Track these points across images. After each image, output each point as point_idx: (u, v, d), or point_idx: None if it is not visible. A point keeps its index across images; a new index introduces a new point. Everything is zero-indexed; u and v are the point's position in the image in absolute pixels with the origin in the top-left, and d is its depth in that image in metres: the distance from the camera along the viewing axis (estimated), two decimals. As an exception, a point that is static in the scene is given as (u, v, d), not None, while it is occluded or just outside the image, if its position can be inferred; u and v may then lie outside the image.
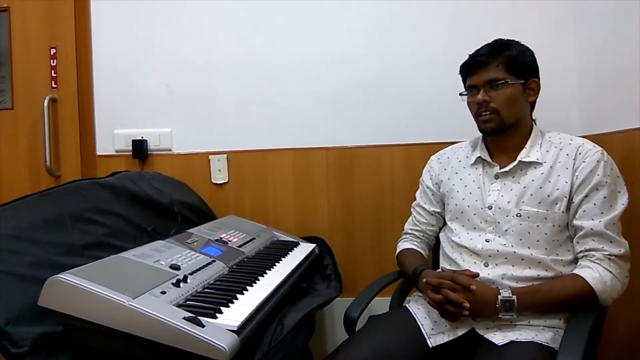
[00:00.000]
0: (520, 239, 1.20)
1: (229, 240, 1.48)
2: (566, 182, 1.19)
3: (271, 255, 1.50)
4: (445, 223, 1.41)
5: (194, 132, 1.99)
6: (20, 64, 2.01)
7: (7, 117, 2.01)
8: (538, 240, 1.19)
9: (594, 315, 1.09)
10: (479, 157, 1.33)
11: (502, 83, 1.24)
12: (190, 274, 1.12)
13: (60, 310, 0.91)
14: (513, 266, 1.19)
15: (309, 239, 1.79)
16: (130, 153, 1.96)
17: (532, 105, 1.33)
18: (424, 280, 1.23)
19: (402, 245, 1.47)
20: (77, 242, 1.21)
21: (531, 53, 1.29)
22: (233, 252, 1.41)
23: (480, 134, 1.36)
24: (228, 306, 1.01)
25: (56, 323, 0.95)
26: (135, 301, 0.90)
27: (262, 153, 1.95)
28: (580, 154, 1.20)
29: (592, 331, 1.05)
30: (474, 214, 1.28)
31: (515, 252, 1.20)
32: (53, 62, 2.00)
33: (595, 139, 1.26)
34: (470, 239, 1.27)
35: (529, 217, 1.20)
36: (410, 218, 1.51)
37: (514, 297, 1.11)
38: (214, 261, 1.26)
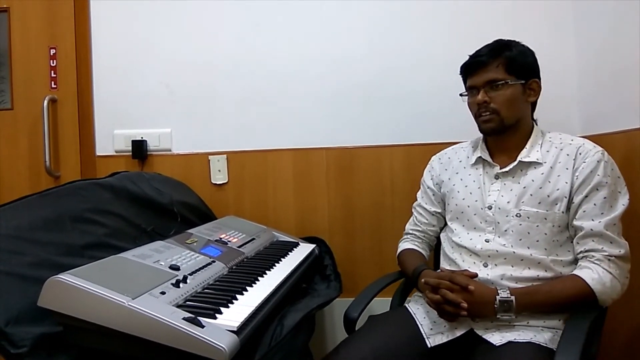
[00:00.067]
0: (520, 239, 1.20)
1: (229, 241, 1.48)
2: (566, 183, 1.19)
3: (271, 255, 1.50)
4: (446, 223, 1.40)
5: (194, 133, 1.99)
6: (20, 64, 2.01)
7: (7, 118, 2.01)
8: (538, 241, 1.19)
9: (592, 316, 1.08)
10: (480, 157, 1.33)
11: (502, 83, 1.24)
12: (190, 274, 1.12)
13: (60, 310, 0.91)
14: (512, 266, 1.19)
15: (308, 239, 1.79)
16: (130, 153, 1.96)
17: (533, 105, 1.33)
18: (423, 280, 1.23)
19: (403, 245, 1.47)
20: (77, 243, 1.21)
21: (531, 53, 1.29)
22: (233, 252, 1.41)
23: (481, 134, 1.36)
24: (228, 306, 1.01)
25: (56, 323, 0.95)
26: (135, 301, 0.90)
27: (262, 153, 1.95)
28: (580, 154, 1.20)
29: (591, 332, 1.05)
30: (474, 214, 1.28)
31: (514, 252, 1.19)
32: (53, 63, 2.00)
33: (595, 139, 1.26)
34: (470, 239, 1.27)
35: (528, 218, 1.20)
36: (411, 218, 1.51)
37: (513, 298, 1.11)
38: (213, 261, 1.26)
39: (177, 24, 1.98)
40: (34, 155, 1.98)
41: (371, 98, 1.92)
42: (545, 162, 1.23)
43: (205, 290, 1.11)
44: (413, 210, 1.50)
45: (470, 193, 1.31)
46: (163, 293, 0.98)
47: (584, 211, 1.16)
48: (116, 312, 0.88)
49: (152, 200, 1.56)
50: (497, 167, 1.29)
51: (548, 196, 1.20)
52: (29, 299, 0.95)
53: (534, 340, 1.09)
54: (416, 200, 1.51)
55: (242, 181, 1.96)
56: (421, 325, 1.24)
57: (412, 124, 1.89)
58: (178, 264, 1.14)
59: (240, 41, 1.96)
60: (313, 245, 1.70)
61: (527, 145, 1.27)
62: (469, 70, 1.30)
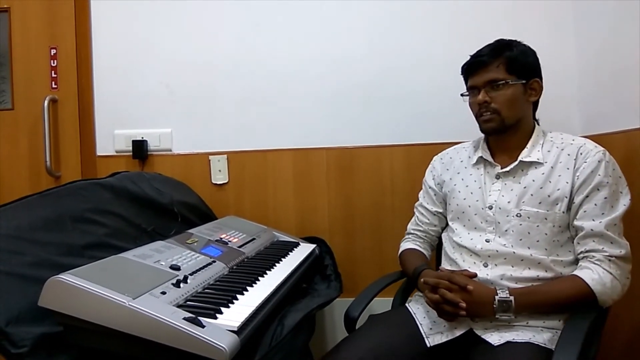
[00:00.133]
0: (520, 239, 1.20)
1: (229, 241, 1.48)
2: (567, 183, 1.19)
3: (271, 255, 1.50)
4: (447, 223, 1.40)
5: (194, 133, 1.99)
6: (20, 65, 2.01)
7: (8, 118, 2.01)
8: (538, 241, 1.19)
9: (592, 317, 1.08)
10: (481, 157, 1.33)
11: (502, 83, 1.24)
12: (191, 274, 1.12)
13: (61, 310, 0.91)
14: (512, 267, 1.19)
15: (309, 239, 1.79)
16: (131, 153, 1.96)
17: (535, 105, 1.32)
18: (422, 280, 1.23)
19: (405, 245, 1.48)
20: (77, 243, 1.21)
21: (533, 53, 1.29)
22: (233, 252, 1.41)
23: (483, 134, 1.36)
24: (228, 306, 1.01)
25: (56, 323, 0.95)
26: (136, 301, 0.90)
27: (262, 153, 1.96)
28: (581, 154, 1.20)
29: (590, 332, 1.04)
30: (475, 214, 1.28)
31: (514, 252, 1.19)
32: (53, 63, 2.00)
33: (595, 139, 1.26)
34: (471, 239, 1.27)
35: (529, 217, 1.20)
36: (413, 218, 1.51)
37: (512, 298, 1.11)
38: (214, 261, 1.26)
39: (177, 24, 1.98)
40: (35, 155, 1.98)
41: (371, 98, 1.92)
42: (546, 162, 1.23)
43: (206, 290, 1.11)
44: (415, 210, 1.50)
45: (471, 193, 1.31)
46: (164, 293, 0.98)
47: (585, 211, 1.16)
48: (117, 312, 0.88)
49: (152, 200, 1.56)
50: (498, 167, 1.29)
51: (549, 196, 1.19)
52: (30, 299, 0.95)
53: (532, 340, 1.09)
54: (417, 200, 1.51)
55: (243, 181, 1.96)
56: (421, 324, 1.24)
57: (412, 124, 1.89)
58: (178, 264, 1.15)
59: (240, 41, 1.96)
60: (313, 245, 1.70)
61: (528, 145, 1.26)
62: (470, 70, 1.30)
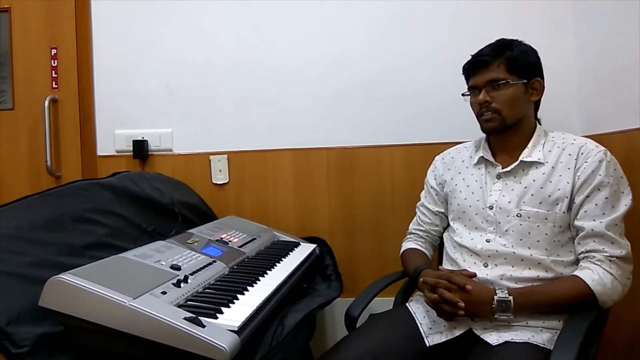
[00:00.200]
0: (521, 239, 1.20)
1: (230, 241, 1.48)
2: (567, 182, 1.19)
3: (272, 255, 1.50)
4: (449, 223, 1.40)
5: (195, 133, 1.99)
6: (20, 65, 2.01)
7: (8, 118, 2.01)
8: (538, 241, 1.19)
9: (592, 317, 1.08)
10: (482, 157, 1.33)
11: (503, 83, 1.23)
12: (191, 274, 1.12)
13: (61, 310, 0.91)
14: (512, 267, 1.19)
15: (309, 239, 1.79)
16: (131, 153, 1.96)
17: (537, 104, 1.32)
18: (421, 279, 1.23)
19: (406, 245, 1.48)
20: (77, 242, 1.21)
21: (534, 52, 1.29)
22: (233, 252, 1.41)
23: (484, 134, 1.36)
24: (229, 306, 1.01)
25: (57, 323, 0.95)
26: (136, 301, 0.90)
27: (262, 153, 1.96)
28: (582, 154, 1.19)
29: (590, 333, 1.04)
30: (476, 214, 1.28)
31: (514, 252, 1.19)
32: (54, 63, 2.00)
33: (595, 139, 1.25)
34: (472, 239, 1.27)
35: (529, 218, 1.20)
36: (414, 218, 1.51)
37: (510, 298, 1.11)
38: (214, 261, 1.26)
39: (177, 24, 1.98)
40: (35, 155, 1.98)
41: (371, 98, 1.92)
42: (547, 162, 1.23)
43: (206, 290, 1.11)
44: (417, 210, 1.51)
45: (472, 193, 1.31)
46: (164, 293, 0.98)
47: (585, 211, 1.15)
48: (117, 312, 0.88)
49: (153, 200, 1.56)
50: (499, 166, 1.29)
51: (549, 196, 1.19)
52: (30, 298, 0.95)
53: (531, 340, 1.09)
54: (417, 200, 1.51)
55: (243, 181, 1.96)
56: (420, 324, 1.24)
57: (412, 124, 1.89)
58: (179, 264, 1.15)
59: (240, 41, 1.96)
60: (314, 245, 1.70)
61: (529, 145, 1.26)
62: (470, 69, 1.30)
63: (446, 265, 1.34)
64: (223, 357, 0.83)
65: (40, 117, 1.95)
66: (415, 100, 1.89)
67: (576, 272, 1.13)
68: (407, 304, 1.35)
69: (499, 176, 1.29)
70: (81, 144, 2.00)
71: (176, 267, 1.13)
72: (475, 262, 1.24)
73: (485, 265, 1.22)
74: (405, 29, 1.91)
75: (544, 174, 1.22)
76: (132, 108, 2.00)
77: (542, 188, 1.20)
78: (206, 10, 1.97)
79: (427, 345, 1.18)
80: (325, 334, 1.90)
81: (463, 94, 1.34)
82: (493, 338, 1.12)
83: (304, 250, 1.63)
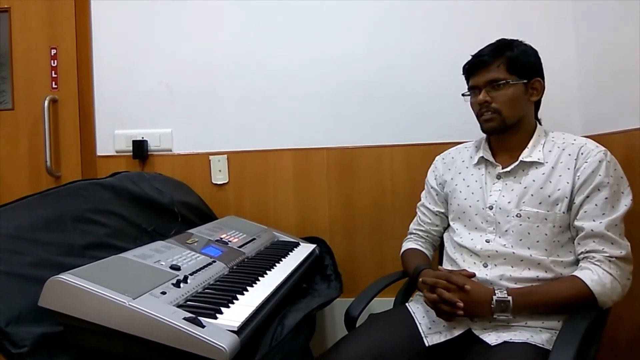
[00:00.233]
0: (520, 240, 1.20)
1: (229, 241, 1.48)
2: (567, 183, 1.18)
3: (271, 255, 1.50)
4: (449, 223, 1.40)
5: (194, 133, 1.99)
6: (20, 65, 2.01)
7: (8, 118, 2.01)
8: (538, 241, 1.19)
9: (591, 317, 1.08)
10: (482, 157, 1.33)
11: (503, 83, 1.23)
12: (191, 274, 1.12)
13: (61, 310, 0.91)
14: (512, 267, 1.19)
15: (309, 239, 1.79)
16: (131, 153, 1.96)
17: (537, 104, 1.32)
18: (421, 279, 1.23)
19: (407, 245, 1.48)
20: (77, 243, 1.21)
21: (534, 53, 1.29)
22: (233, 252, 1.41)
23: (484, 134, 1.36)
24: (228, 306, 1.01)
25: (57, 323, 0.95)
26: (136, 301, 0.90)
27: (262, 153, 1.96)
28: (582, 154, 1.19)
29: (589, 333, 1.04)
30: (476, 214, 1.28)
31: (514, 252, 1.19)
32: (53, 63, 2.00)
33: (595, 139, 1.25)
34: (471, 239, 1.27)
35: (528, 218, 1.20)
36: (415, 218, 1.51)
37: (509, 298, 1.10)
38: (214, 261, 1.26)
39: (177, 24, 1.98)
40: (35, 156, 1.98)
41: (371, 98, 1.92)
42: (547, 162, 1.23)
43: (206, 290, 1.11)
44: (417, 210, 1.51)
45: (472, 193, 1.31)
46: (164, 293, 0.98)
47: (585, 212, 1.15)
48: (117, 312, 0.88)
49: (152, 200, 1.56)
50: (499, 167, 1.29)
51: (549, 196, 1.19)
52: (30, 299, 0.95)
53: (530, 340, 1.09)
54: (417, 200, 1.51)
55: (243, 181, 1.96)
56: (420, 324, 1.24)
57: (412, 124, 1.89)
58: (179, 264, 1.15)
59: (240, 41, 1.96)
60: (313, 245, 1.70)
61: (529, 145, 1.26)
62: (471, 69, 1.30)
63: (446, 265, 1.34)
64: (223, 357, 0.83)
65: (40, 117, 1.95)
66: (415, 100, 1.89)
67: (576, 273, 1.13)
68: (406, 304, 1.35)
69: (499, 176, 1.28)
70: (81, 144, 2.00)
71: (176, 267, 1.13)
72: (474, 262, 1.24)
73: (485, 266, 1.22)
74: (405, 29, 1.91)
75: (543, 174, 1.22)
76: (132, 108, 2.00)
77: (541, 188, 1.20)
78: (206, 10, 1.97)
79: (426, 345, 1.18)
80: (325, 334, 1.90)
81: (463, 94, 1.34)
82: (492, 338, 1.12)
83: (304, 250, 1.62)
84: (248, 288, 1.14)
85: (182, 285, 1.05)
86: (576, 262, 1.17)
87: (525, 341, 1.08)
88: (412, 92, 1.89)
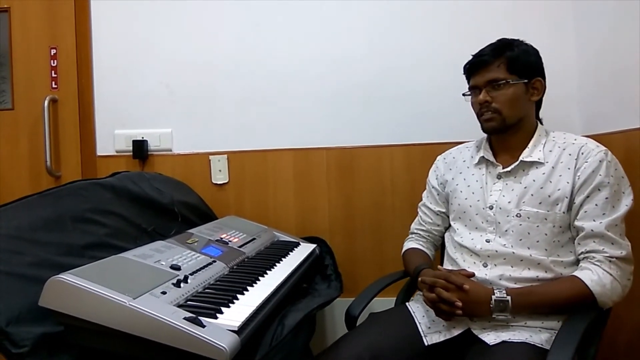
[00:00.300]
0: (520, 240, 1.20)
1: (230, 241, 1.48)
2: (567, 183, 1.18)
3: (272, 255, 1.50)
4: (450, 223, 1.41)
5: (194, 133, 1.99)
6: (20, 65, 2.01)
7: (8, 118, 2.01)
8: (538, 241, 1.19)
9: (590, 317, 1.07)
10: (483, 157, 1.33)
11: (503, 83, 1.23)
12: (191, 274, 1.12)
13: (61, 310, 0.91)
14: (512, 267, 1.19)
15: (309, 239, 1.79)
16: (131, 153, 1.96)
17: (538, 104, 1.32)
18: (420, 279, 1.23)
19: (408, 244, 1.48)
20: (77, 243, 1.21)
21: (535, 52, 1.29)
22: (233, 252, 1.41)
23: (485, 134, 1.36)
24: (229, 306, 1.01)
25: (57, 323, 0.95)
26: (136, 301, 0.90)
27: (262, 153, 1.96)
28: (582, 153, 1.19)
29: (588, 333, 1.04)
30: (476, 214, 1.28)
31: (514, 252, 1.19)
32: (53, 63, 2.00)
33: (595, 139, 1.25)
34: (472, 239, 1.27)
35: (528, 218, 1.20)
36: (416, 218, 1.51)
37: (508, 298, 1.10)
38: (214, 261, 1.26)
39: (177, 24, 1.98)
40: (35, 155, 1.98)
41: (371, 98, 1.92)
42: (547, 162, 1.23)
43: (206, 290, 1.11)
44: (418, 209, 1.51)
45: (473, 193, 1.31)
46: (164, 293, 0.98)
47: (585, 212, 1.15)
48: (117, 312, 0.88)
49: (152, 200, 1.56)
50: (499, 166, 1.29)
51: (549, 196, 1.19)
52: (30, 298, 0.95)
53: (529, 340, 1.09)
54: (418, 199, 1.51)
55: (243, 181, 1.96)
56: (419, 323, 1.24)
57: (412, 124, 1.89)
58: (179, 264, 1.15)
59: (240, 41, 1.96)
60: (314, 245, 1.70)
61: (530, 145, 1.26)
62: (471, 69, 1.30)
63: (446, 265, 1.34)
64: (223, 357, 0.83)
65: (39, 117, 1.95)
66: (415, 100, 1.89)
67: (575, 273, 1.13)
68: (407, 304, 1.35)
69: (499, 176, 1.28)
70: (81, 144, 2.00)
71: (176, 267, 1.13)
72: (474, 262, 1.24)
73: (485, 265, 1.22)
74: (405, 29, 1.91)
75: (544, 174, 1.22)
76: (132, 108, 2.00)
77: (542, 188, 1.20)
78: (206, 10, 1.97)
79: (426, 344, 1.18)
80: (325, 333, 1.90)
81: (464, 94, 1.34)
82: (491, 338, 1.12)
83: (304, 250, 1.62)
84: (248, 288, 1.14)
85: (182, 285, 1.05)
86: (576, 262, 1.17)
87: (524, 341, 1.08)
88: (412, 92, 1.89)
